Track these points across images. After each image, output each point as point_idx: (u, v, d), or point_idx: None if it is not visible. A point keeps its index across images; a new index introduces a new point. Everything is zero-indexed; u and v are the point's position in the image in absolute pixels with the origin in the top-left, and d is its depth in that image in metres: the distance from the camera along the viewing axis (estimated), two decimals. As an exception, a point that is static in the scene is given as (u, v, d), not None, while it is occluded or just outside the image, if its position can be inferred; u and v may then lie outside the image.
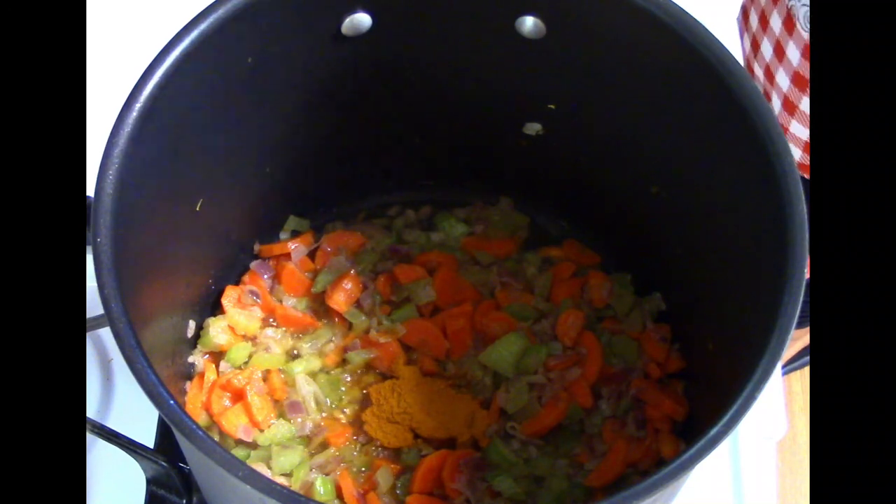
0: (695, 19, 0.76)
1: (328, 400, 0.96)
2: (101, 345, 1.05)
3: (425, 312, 0.99)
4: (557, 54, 0.85)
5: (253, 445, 0.93)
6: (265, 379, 0.95)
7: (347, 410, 0.96)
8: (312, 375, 0.97)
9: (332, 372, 0.97)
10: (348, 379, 0.97)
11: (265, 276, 1.01)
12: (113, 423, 0.90)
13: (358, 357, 0.97)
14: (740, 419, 0.65)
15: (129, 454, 0.90)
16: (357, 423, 0.94)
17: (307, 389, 0.95)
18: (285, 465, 0.90)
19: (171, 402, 0.65)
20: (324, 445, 0.94)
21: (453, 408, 0.94)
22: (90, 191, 0.69)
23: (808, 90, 1.16)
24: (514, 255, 1.04)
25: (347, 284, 0.99)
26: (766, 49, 1.29)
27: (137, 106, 0.71)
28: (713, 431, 0.65)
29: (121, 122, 0.71)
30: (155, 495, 0.94)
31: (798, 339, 1.94)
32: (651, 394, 0.94)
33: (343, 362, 0.98)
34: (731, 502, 0.98)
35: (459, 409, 0.93)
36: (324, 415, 0.95)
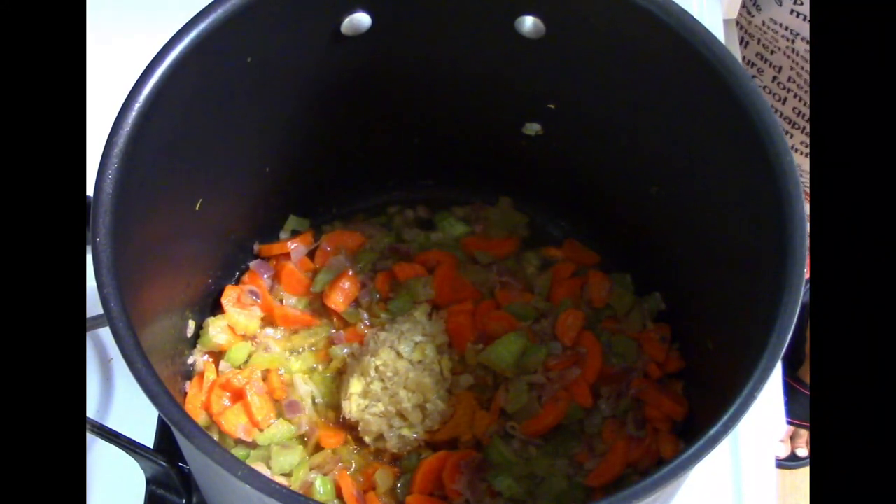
0: (695, 19, 0.76)
1: (324, 399, 0.96)
2: (101, 345, 1.05)
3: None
4: (557, 54, 0.85)
5: (252, 445, 0.93)
6: (265, 378, 0.95)
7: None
8: (310, 374, 0.97)
9: (329, 372, 0.97)
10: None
11: (265, 276, 1.01)
12: (113, 423, 0.90)
13: (340, 352, 0.97)
14: (740, 419, 0.65)
15: (129, 454, 0.90)
16: (354, 423, 0.94)
17: (304, 389, 0.95)
18: (285, 464, 0.90)
19: (171, 402, 0.65)
20: (321, 445, 0.93)
21: (454, 408, 0.94)
22: (90, 191, 0.69)
23: None
24: (514, 255, 1.04)
25: (345, 284, 0.99)
26: None
27: (137, 106, 0.71)
28: (713, 431, 0.65)
29: (120, 122, 0.71)
30: (155, 495, 0.94)
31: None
32: (651, 394, 0.94)
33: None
34: (731, 502, 0.98)
35: (459, 409, 0.93)
36: (321, 413, 0.95)
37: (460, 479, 0.89)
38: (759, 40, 1.46)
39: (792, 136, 1.53)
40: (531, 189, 1.04)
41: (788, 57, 1.43)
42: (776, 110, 1.51)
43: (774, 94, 1.50)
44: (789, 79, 1.46)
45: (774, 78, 1.49)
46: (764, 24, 1.41)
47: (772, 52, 1.45)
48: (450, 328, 0.97)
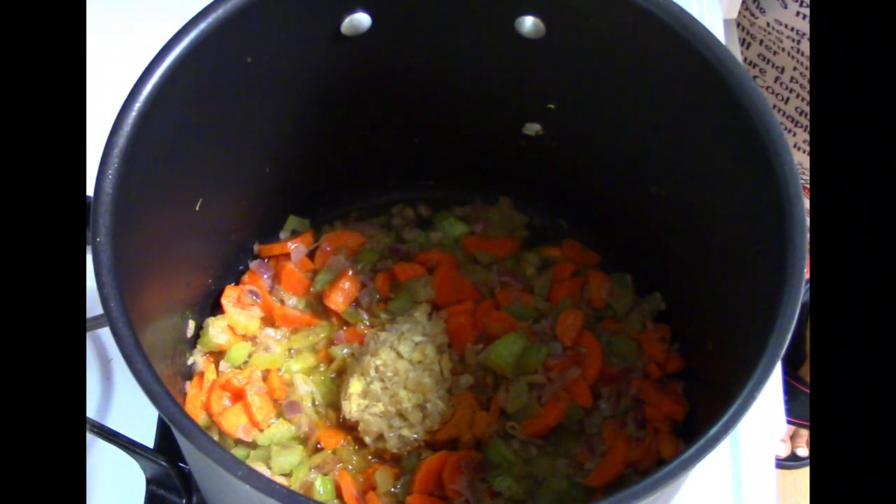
0: (695, 19, 0.76)
1: (323, 399, 0.96)
2: (101, 345, 1.05)
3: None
4: (557, 54, 0.85)
5: (252, 445, 0.93)
6: (265, 378, 0.95)
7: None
8: (310, 374, 0.97)
9: (329, 372, 0.97)
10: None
11: (265, 276, 1.01)
12: (113, 423, 0.90)
13: (340, 352, 0.97)
14: (740, 419, 0.65)
15: (129, 454, 0.90)
16: (354, 423, 0.94)
17: (304, 389, 0.95)
18: (285, 464, 0.90)
19: (171, 402, 0.65)
20: (321, 445, 0.93)
21: (454, 408, 0.94)
22: (90, 191, 0.69)
23: None
24: (514, 255, 1.04)
25: (345, 284, 0.99)
26: None
27: (137, 106, 0.71)
28: (713, 431, 0.65)
29: (120, 122, 0.71)
30: (155, 495, 0.94)
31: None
32: (651, 394, 0.94)
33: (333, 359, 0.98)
34: (731, 502, 0.98)
35: (459, 409, 0.93)
36: (320, 413, 0.95)
37: (460, 479, 0.89)
38: (761, 41, 1.46)
39: (795, 135, 1.53)
40: (531, 189, 1.04)
41: (793, 57, 1.43)
42: (779, 110, 1.52)
43: (777, 94, 1.50)
44: (792, 79, 1.47)
45: (777, 78, 1.49)
46: (768, 25, 1.41)
47: (774, 53, 1.46)
48: (450, 328, 0.97)
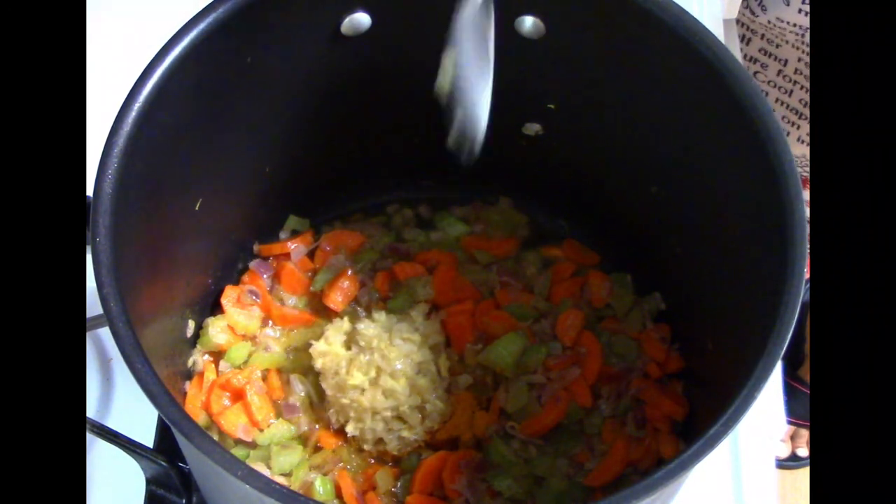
0: (695, 19, 0.76)
1: (321, 399, 0.96)
2: (101, 345, 1.05)
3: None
4: (557, 54, 0.85)
5: (252, 445, 0.93)
6: (265, 378, 0.95)
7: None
8: (308, 374, 0.97)
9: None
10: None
11: (265, 276, 1.01)
12: (113, 423, 0.90)
13: None
14: (740, 419, 0.66)
15: (129, 454, 0.90)
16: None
17: (301, 389, 0.95)
18: (284, 464, 0.90)
19: (171, 402, 0.65)
20: (321, 445, 0.93)
21: (453, 408, 0.94)
22: (90, 191, 0.69)
23: None
24: (514, 255, 1.04)
25: (345, 283, 0.99)
26: None
27: (137, 106, 0.71)
28: (713, 431, 0.65)
29: (120, 122, 0.71)
30: (154, 495, 0.94)
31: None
32: (651, 394, 0.94)
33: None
34: (731, 502, 0.98)
35: (459, 409, 0.93)
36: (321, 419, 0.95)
37: (460, 479, 0.89)
38: (762, 36, 1.46)
39: (799, 128, 1.53)
40: (531, 189, 1.04)
41: (797, 48, 1.42)
42: (782, 103, 1.51)
43: (780, 88, 1.50)
44: (796, 70, 1.46)
45: (780, 71, 1.48)
46: (769, 22, 1.41)
47: (777, 46, 1.45)
48: (449, 328, 0.97)
